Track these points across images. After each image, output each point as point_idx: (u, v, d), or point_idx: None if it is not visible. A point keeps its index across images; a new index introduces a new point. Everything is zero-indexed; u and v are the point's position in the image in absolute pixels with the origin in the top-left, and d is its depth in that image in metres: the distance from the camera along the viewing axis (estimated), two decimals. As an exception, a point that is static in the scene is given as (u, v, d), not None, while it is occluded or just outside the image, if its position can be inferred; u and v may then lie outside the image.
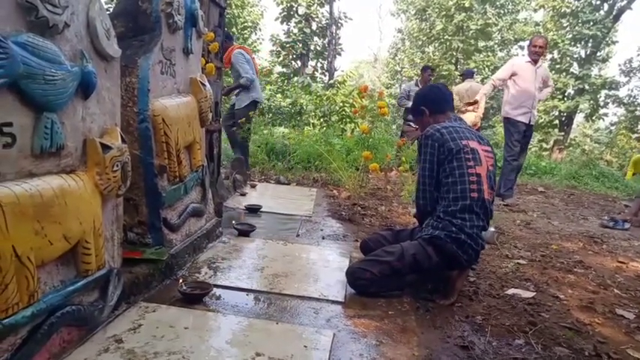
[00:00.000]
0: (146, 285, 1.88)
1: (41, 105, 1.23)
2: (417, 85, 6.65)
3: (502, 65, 6.29)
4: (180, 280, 1.96)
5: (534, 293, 2.41)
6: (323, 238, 3.12)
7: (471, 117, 6.56)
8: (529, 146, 6.22)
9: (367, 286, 2.17)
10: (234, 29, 15.75)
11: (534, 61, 5.15)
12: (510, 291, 2.42)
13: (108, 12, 1.67)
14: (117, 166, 1.52)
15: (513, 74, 5.18)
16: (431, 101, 2.48)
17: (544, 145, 17.93)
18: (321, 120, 10.29)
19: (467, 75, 7.26)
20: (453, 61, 18.37)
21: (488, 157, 2.30)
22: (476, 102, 5.95)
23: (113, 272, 1.60)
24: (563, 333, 2.01)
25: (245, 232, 2.88)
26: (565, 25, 16.57)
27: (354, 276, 2.18)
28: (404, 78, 22.74)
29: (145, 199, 2.01)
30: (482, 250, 2.30)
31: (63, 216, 1.29)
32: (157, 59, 2.03)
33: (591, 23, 15.87)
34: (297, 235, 3.13)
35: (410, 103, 6.15)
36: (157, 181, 2.02)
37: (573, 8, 16.14)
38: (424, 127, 2.43)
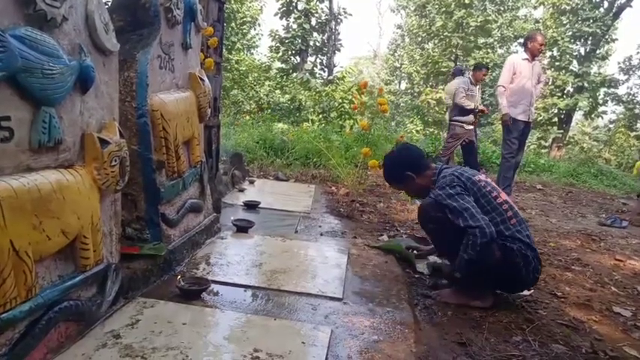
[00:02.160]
0: (144, 280, 1.88)
1: (39, 99, 1.22)
2: (471, 82, 6.21)
3: (501, 63, 6.28)
4: (179, 276, 1.96)
5: (532, 291, 2.42)
6: (321, 234, 3.12)
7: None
8: (527, 144, 6.23)
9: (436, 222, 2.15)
10: (233, 24, 15.69)
11: (532, 58, 5.14)
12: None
13: (106, 6, 1.66)
14: (115, 161, 1.51)
15: (512, 73, 5.16)
16: (412, 163, 2.38)
17: (543, 143, 17.95)
18: (320, 116, 10.29)
19: (456, 73, 7.25)
20: (453, 57, 18.34)
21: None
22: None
23: (111, 267, 1.60)
24: (560, 330, 2.01)
25: (243, 228, 2.87)
26: (565, 22, 16.55)
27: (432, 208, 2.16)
28: (403, 74, 22.72)
29: (144, 195, 2.00)
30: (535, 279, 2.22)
31: (61, 211, 1.29)
32: (156, 54, 2.02)
33: (591, 21, 15.86)
34: (296, 232, 3.13)
35: (472, 104, 6.01)
36: (156, 177, 2.01)
37: (573, 5, 16.13)
38: (417, 191, 2.43)
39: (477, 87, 6.32)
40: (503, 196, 2.22)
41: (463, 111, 6.10)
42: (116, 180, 1.54)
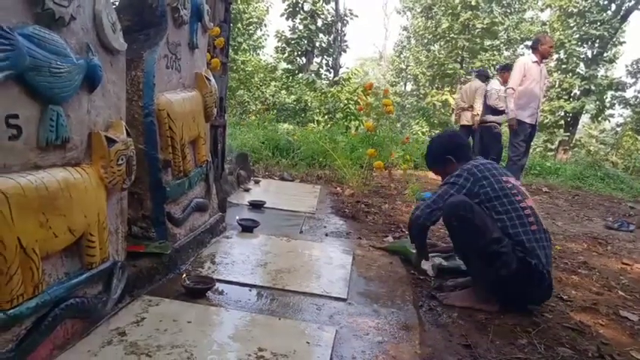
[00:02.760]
0: (150, 279, 1.89)
1: (47, 97, 1.23)
2: (500, 84, 6.23)
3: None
4: (184, 275, 1.97)
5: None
6: (326, 235, 3.12)
7: (467, 116, 6.55)
8: (533, 146, 6.23)
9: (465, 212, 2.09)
10: (239, 25, 15.74)
11: (541, 61, 5.11)
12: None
13: (113, 5, 1.67)
14: (122, 159, 1.52)
15: (523, 75, 5.13)
16: (455, 149, 2.40)
17: (549, 146, 17.85)
18: (326, 117, 10.30)
19: (481, 73, 7.15)
20: (459, 59, 18.30)
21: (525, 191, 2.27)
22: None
23: (117, 265, 1.60)
24: (566, 334, 2.00)
25: (248, 228, 2.88)
26: (572, 24, 16.46)
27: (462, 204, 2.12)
28: (409, 76, 22.68)
29: (150, 194, 2.01)
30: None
31: (68, 209, 1.29)
32: (163, 53, 2.03)
33: (598, 23, 15.76)
34: (301, 232, 3.13)
35: (504, 106, 5.81)
36: (162, 176, 2.02)
37: (580, 8, 16.03)
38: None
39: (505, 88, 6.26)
40: (529, 202, 2.17)
41: (495, 111, 6.06)
42: (123, 178, 1.54)
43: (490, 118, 6.25)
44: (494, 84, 6.29)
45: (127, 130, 1.60)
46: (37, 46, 1.16)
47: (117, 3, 2.20)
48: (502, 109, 5.94)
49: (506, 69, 6.36)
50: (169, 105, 2.03)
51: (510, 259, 2.03)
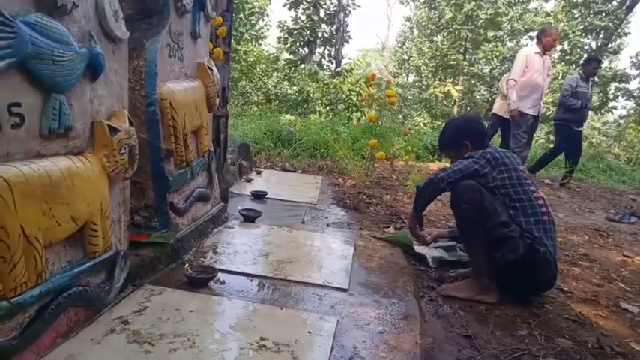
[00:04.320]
0: (152, 268, 1.89)
1: (49, 86, 1.22)
2: (581, 79, 5.91)
3: (510, 57, 6.19)
4: (186, 264, 1.97)
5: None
6: (328, 225, 3.12)
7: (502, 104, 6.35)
8: (535, 138, 6.16)
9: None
10: (241, 15, 15.63)
11: (543, 52, 5.08)
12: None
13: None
14: (124, 148, 1.52)
15: (525, 66, 5.10)
16: (472, 135, 2.36)
17: (551, 137, 17.78)
18: (328, 108, 10.26)
19: None
20: (462, 50, 18.16)
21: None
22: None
23: (120, 254, 1.61)
24: (566, 325, 2.01)
25: (250, 218, 2.88)
26: (576, 15, 16.33)
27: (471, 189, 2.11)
28: (411, 67, 22.56)
29: (152, 183, 2.01)
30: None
31: (71, 197, 1.30)
32: (165, 42, 2.02)
33: (603, 14, 15.62)
34: (302, 222, 3.13)
35: (579, 102, 5.68)
36: (164, 165, 2.02)
37: (585, -2, 15.90)
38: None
39: (589, 83, 6.01)
40: (542, 194, 2.21)
41: (570, 111, 5.71)
42: (125, 168, 1.55)
43: (564, 117, 5.91)
44: (570, 79, 5.98)
45: (129, 119, 1.59)
46: (39, 34, 1.16)
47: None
48: (575, 106, 5.64)
49: (587, 62, 6.06)
50: (172, 94, 2.02)
51: (518, 243, 2.05)
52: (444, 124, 2.57)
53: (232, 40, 4.10)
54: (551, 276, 2.16)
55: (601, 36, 16.34)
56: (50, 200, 1.22)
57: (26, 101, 1.16)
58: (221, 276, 1.99)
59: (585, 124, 6.10)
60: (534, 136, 6.37)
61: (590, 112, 19.07)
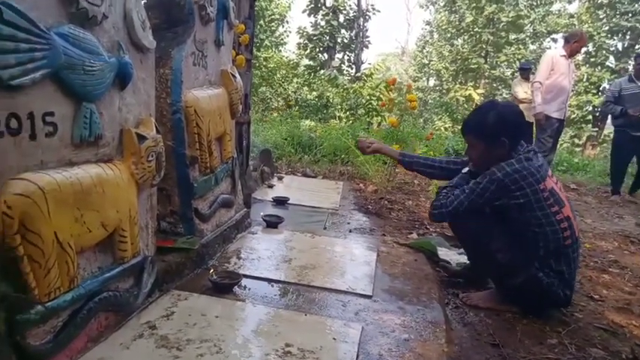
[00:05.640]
0: (178, 273, 1.92)
1: (81, 95, 1.25)
2: (630, 79, 5.20)
3: (533, 59, 6.08)
4: (211, 270, 1.99)
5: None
6: (350, 231, 3.11)
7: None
8: (560, 142, 5.97)
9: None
10: (261, 22, 15.79)
11: (569, 56, 4.99)
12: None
13: (143, 3, 1.69)
14: (152, 156, 1.54)
15: (551, 69, 5.00)
16: (518, 134, 2.01)
17: (576, 141, 17.41)
18: (348, 113, 10.25)
19: (524, 67, 6.78)
20: (483, 54, 17.98)
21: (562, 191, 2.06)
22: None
23: (147, 260, 1.63)
24: (598, 334, 1.95)
25: (273, 224, 2.89)
26: (601, 16, 16.00)
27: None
28: (431, 71, 22.41)
29: (177, 190, 2.04)
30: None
31: (101, 204, 1.32)
32: (190, 51, 2.05)
33: (630, 15, 15.27)
34: (324, 228, 3.13)
35: (618, 109, 5.15)
36: (189, 172, 2.05)
37: (611, -1, 15.57)
38: (489, 159, 2.01)
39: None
40: (567, 212, 1.97)
41: (622, 115, 5.25)
42: (153, 175, 1.57)
43: (619, 121, 5.39)
44: (615, 84, 5.54)
45: (156, 126, 1.62)
46: (71, 45, 1.19)
47: (145, 1, 2.23)
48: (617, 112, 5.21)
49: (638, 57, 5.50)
50: (196, 102, 2.05)
51: (516, 271, 1.97)
52: (482, 105, 2.16)
53: (253, 47, 4.14)
54: (558, 301, 2.05)
55: (627, 37, 15.96)
56: (81, 207, 1.25)
57: (59, 110, 1.19)
58: (245, 282, 2.00)
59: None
60: (559, 139, 6.23)
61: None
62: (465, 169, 2.20)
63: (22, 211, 1.06)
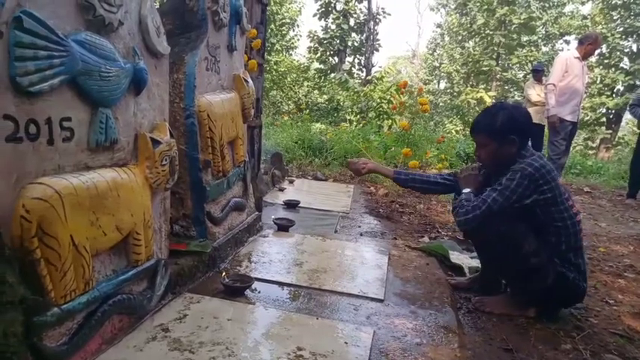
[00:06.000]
0: (191, 276, 1.93)
1: (97, 100, 1.28)
2: None
3: (545, 61, 6.02)
4: (223, 273, 2.00)
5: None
6: (361, 234, 3.11)
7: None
8: (573, 144, 5.87)
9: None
10: (272, 26, 15.88)
11: (583, 58, 4.94)
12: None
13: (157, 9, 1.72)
14: (166, 160, 1.56)
15: (565, 71, 4.95)
16: (526, 132, 2.03)
17: (590, 144, 17.21)
18: (358, 116, 10.25)
19: (538, 69, 6.71)
20: (494, 56, 17.88)
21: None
22: None
23: (161, 263, 1.65)
24: (613, 340, 1.93)
25: (284, 227, 2.90)
26: (615, 17, 15.81)
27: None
28: (442, 74, 22.34)
29: (190, 193, 2.06)
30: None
31: (116, 208, 1.34)
32: (203, 56, 2.07)
33: (644, 15, 15.08)
34: (335, 231, 3.13)
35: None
36: (202, 176, 2.07)
37: (625, 0, 15.37)
38: (498, 159, 2.02)
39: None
40: (576, 206, 2.03)
41: None
42: (166, 178, 1.59)
43: None
44: None
45: (170, 131, 1.64)
46: (88, 51, 1.21)
47: (159, 7, 2.26)
48: None
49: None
50: (209, 106, 2.07)
51: (547, 273, 1.96)
52: (491, 106, 2.17)
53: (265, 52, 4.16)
54: (580, 294, 2.06)
55: (642, 38, 15.76)
56: (97, 210, 1.27)
57: (76, 116, 1.22)
58: (256, 285, 2.01)
59: (628, 129, 5.60)
60: (572, 142, 6.15)
61: (631, 117, 18.40)
62: (467, 190, 2.13)
63: (40, 215, 1.08)
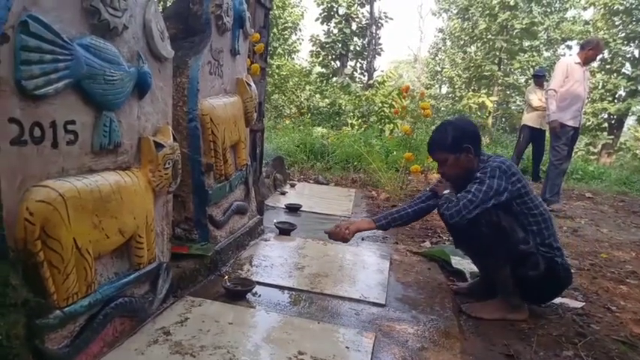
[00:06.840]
0: (192, 280, 1.93)
1: (101, 104, 1.28)
2: None
3: (547, 67, 6.00)
4: (225, 277, 2.00)
5: (583, 303, 2.32)
6: (362, 239, 3.10)
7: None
8: (575, 150, 5.86)
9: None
10: (274, 30, 15.92)
11: (584, 64, 4.93)
12: (558, 300, 2.33)
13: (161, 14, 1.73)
14: (168, 163, 1.57)
15: (565, 76, 4.95)
16: (476, 137, 2.14)
17: (591, 149, 17.18)
18: (360, 120, 10.26)
19: (539, 74, 6.83)
20: (496, 61, 17.88)
21: None
22: None
23: (163, 266, 1.65)
24: (615, 347, 1.92)
25: (286, 231, 2.90)
26: (617, 23, 15.81)
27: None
28: (444, 78, 22.36)
29: (192, 196, 2.06)
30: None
31: (119, 211, 1.34)
32: (206, 60, 2.08)
33: (647, 21, 15.08)
34: (337, 236, 3.12)
35: None
36: (204, 179, 2.07)
37: (627, 5, 15.37)
38: (460, 170, 2.12)
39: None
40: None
41: None
42: (169, 182, 1.59)
43: None
44: None
45: (173, 134, 1.65)
46: (93, 55, 1.22)
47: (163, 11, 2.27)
48: None
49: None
50: (212, 110, 2.08)
51: (538, 259, 2.03)
52: (438, 125, 2.27)
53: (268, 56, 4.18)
54: (570, 276, 2.16)
55: (644, 44, 15.75)
56: (100, 214, 1.27)
57: (80, 119, 1.22)
58: (258, 289, 2.01)
59: (630, 135, 5.69)
60: (574, 147, 6.14)
61: (634, 123, 18.38)
62: (447, 191, 2.16)
63: (43, 218, 1.08)
